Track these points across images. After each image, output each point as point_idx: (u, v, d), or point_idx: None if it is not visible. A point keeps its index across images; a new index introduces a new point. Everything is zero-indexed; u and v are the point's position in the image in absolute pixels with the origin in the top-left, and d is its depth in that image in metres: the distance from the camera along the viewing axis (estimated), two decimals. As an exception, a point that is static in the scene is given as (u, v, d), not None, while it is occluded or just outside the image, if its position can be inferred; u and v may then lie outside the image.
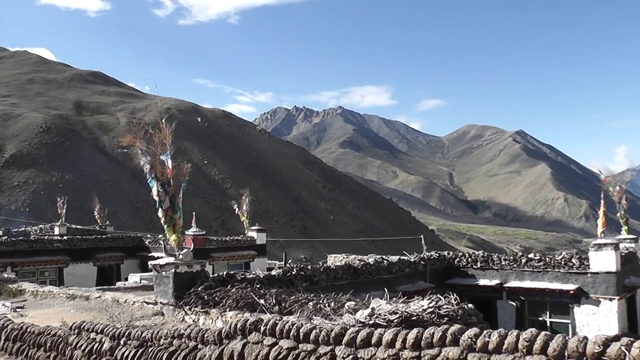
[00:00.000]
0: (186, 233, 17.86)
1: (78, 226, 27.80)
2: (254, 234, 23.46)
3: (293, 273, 8.93)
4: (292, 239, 63.83)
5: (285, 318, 4.65)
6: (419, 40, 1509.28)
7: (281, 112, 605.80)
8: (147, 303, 7.65)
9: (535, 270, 12.62)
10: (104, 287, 12.99)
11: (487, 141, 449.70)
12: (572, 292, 11.96)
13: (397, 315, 4.52)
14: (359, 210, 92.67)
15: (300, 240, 63.82)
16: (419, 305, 4.87)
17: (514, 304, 12.84)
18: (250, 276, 8.04)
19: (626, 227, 14.85)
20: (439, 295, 5.20)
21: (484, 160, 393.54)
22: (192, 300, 6.71)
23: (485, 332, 3.48)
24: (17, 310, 8.69)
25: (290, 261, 24.76)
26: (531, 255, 13.11)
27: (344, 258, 15.94)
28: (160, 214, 7.34)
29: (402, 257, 13.00)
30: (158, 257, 8.02)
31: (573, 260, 12.25)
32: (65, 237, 21.49)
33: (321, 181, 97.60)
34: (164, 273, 7.19)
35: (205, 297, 6.62)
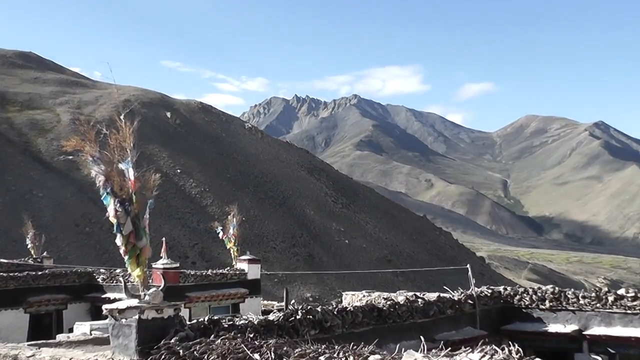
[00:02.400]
0: (154, 266, 17.96)
1: (2, 260, 27.11)
2: (244, 266, 23.60)
3: (297, 317, 8.87)
4: (294, 271, 63.89)
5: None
6: (458, 6, 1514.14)
7: (277, 104, 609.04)
8: (102, 362, 7.98)
9: (629, 312, 12.30)
10: (40, 342, 12.18)
11: (553, 137, 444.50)
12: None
13: (439, 375, 4.41)
14: (383, 232, 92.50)
15: (306, 273, 63.77)
16: (468, 360, 4.92)
17: (600, 358, 12.47)
18: (241, 322, 8.02)
19: None
20: (494, 347, 5.11)
21: (549, 163, 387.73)
22: (163, 356, 6.53)
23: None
24: None
25: (293, 301, 24.55)
26: (622, 292, 12.85)
27: (364, 296, 15.74)
28: (118, 241, 7.28)
29: (442, 295, 12.81)
30: (116, 300, 7.91)
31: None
32: (-17, 275, 21.61)
33: (332, 194, 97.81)
34: (123, 321, 7.15)
35: (181, 352, 6.50)
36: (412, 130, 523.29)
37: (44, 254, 27.67)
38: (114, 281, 22.40)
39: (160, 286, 7.52)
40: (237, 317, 8.77)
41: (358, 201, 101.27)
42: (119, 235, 7.59)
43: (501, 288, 15.44)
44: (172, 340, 6.90)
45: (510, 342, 5.67)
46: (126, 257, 7.65)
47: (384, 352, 5.57)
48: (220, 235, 24.31)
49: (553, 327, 13.05)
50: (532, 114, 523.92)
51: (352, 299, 17.10)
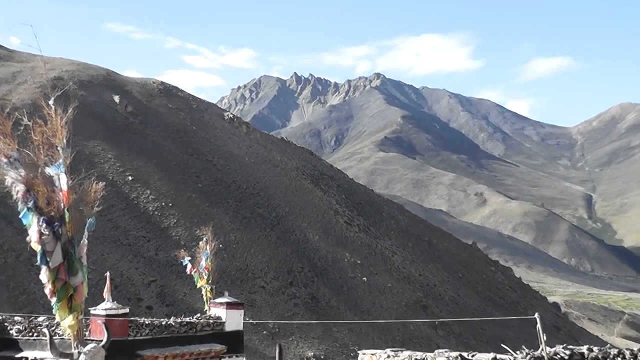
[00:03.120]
0: (92, 312, 17.91)
1: None
2: (220, 313, 23.19)
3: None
4: (291, 320, 63.42)
5: None
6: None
7: (270, 86, 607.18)
8: None
9: None
10: None
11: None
12: None
13: None
14: (416, 267, 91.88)
15: (308, 323, 63.07)
16: None
17: None
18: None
19: None
20: None
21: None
22: None
23: None
24: None
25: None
26: None
27: (388, 357, 15.50)
28: (44, 276, 7.12)
29: (499, 357, 12.70)
30: None
31: None
32: None
33: (345, 212, 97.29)
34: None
35: None
36: (458, 124, 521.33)
37: None
38: (35, 334, 20.98)
39: (101, 341, 7.21)
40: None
41: (381, 222, 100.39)
42: (44, 269, 7.28)
43: (584, 348, 15.13)
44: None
45: None
46: (54, 300, 7.30)
47: None
48: (188, 269, 24.43)
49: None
50: (628, 102, 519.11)
51: (373, 361, 16.91)
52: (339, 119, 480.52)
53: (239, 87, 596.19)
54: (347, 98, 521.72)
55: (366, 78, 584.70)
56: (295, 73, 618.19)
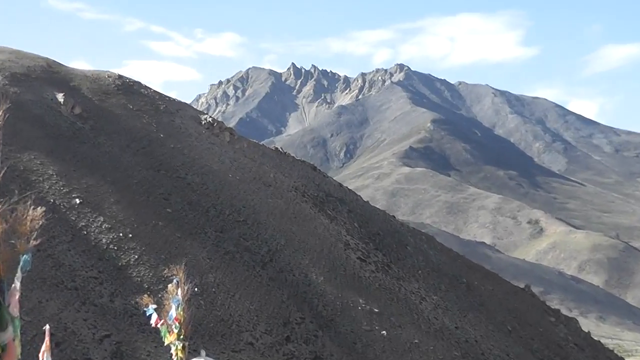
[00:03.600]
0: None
1: None
2: (195, 379, 24.18)
3: None
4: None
5: None
6: None
7: (261, 81, 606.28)
8: None
9: None
10: None
11: None
12: None
13: None
14: (450, 316, 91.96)
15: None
16: None
17: None
18: None
19: None
20: None
21: None
22: None
23: None
24: None
25: None
26: None
27: None
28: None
29: None
30: None
31: None
32: None
33: (357, 245, 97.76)
34: None
35: None
36: (506, 130, 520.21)
37: None
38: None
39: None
40: None
41: (406, 259, 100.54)
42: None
43: None
44: None
45: None
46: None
47: None
48: (154, 320, 24.67)
49: None
50: None
51: None
52: (351, 123, 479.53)
53: (220, 83, 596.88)
54: (360, 97, 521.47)
55: (385, 71, 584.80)
56: (293, 64, 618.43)
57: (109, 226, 77.14)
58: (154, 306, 24.24)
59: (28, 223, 7.17)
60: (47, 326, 20.34)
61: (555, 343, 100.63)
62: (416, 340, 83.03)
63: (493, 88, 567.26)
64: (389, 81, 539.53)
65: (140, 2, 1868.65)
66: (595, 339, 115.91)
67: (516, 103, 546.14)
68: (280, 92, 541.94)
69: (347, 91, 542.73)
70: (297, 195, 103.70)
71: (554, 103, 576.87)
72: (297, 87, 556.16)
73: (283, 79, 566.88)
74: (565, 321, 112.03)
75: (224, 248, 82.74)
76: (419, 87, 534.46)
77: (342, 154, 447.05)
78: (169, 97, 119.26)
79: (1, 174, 6.94)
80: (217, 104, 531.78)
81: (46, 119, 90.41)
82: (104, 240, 76.17)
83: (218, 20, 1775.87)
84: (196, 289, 53.59)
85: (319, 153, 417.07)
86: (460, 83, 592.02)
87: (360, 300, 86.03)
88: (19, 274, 7.21)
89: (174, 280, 23.84)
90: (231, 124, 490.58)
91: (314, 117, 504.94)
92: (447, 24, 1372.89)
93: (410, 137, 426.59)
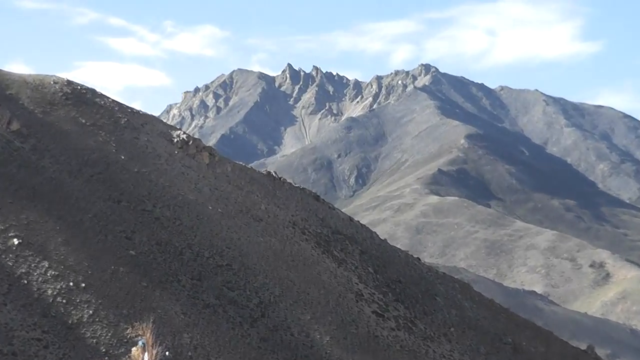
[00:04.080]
0: None
1: None
2: None
3: None
4: None
5: None
6: None
7: (249, 86, 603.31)
8: None
9: None
10: None
11: None
12: None
13: None
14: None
15: None
16: None
17: None
18: None
19: None
20: None
21: None
22: None
23: None
24: None
25: None
26: None
27: None
28: None
29: None
30: None
31: None
32: None
33: (372, 295, 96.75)
34: None
35: None
36: (561, 148, 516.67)
37: None
38: None
39: None
40: None
41: (434, 313, 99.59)
42: None
43: None
44: None
45: None
46: None
47: None
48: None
49: None
50: None
51: None
52: (363, 140, 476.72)
53: (196, 90, 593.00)
54: (375, 106, 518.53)
55: (407, 73, 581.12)
56: (289, 65, 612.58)
57: (56, 273, 75.71)
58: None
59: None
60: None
61: None
62: None
63: (544, 94, 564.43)
64: (412, 86, 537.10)
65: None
66: None
67: (574, 113, 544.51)
68: (273, 101, 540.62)
69: (358, 99, 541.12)
70: (295, 233, 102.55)
71: (622, 113, 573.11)
72: (294, 94, 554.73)
73: (277, 84, 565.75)
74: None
75: (203, 300, 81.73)
76: (450, 93, 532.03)
77: (352, 180, 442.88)
78: (132, 109, 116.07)
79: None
80: (193, 116, 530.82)
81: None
82: (49, 292, 72.36)
83: (193, 10, 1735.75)
84: (167, 353, 54.43)
85: (323, 178, 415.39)
86: (502, 88, 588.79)
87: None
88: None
89: (139, 342, 25.48)
90: (211, 142, 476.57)
91: (316, 133, 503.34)
92: (485, 14, 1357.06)
93: (440, 157, 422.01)
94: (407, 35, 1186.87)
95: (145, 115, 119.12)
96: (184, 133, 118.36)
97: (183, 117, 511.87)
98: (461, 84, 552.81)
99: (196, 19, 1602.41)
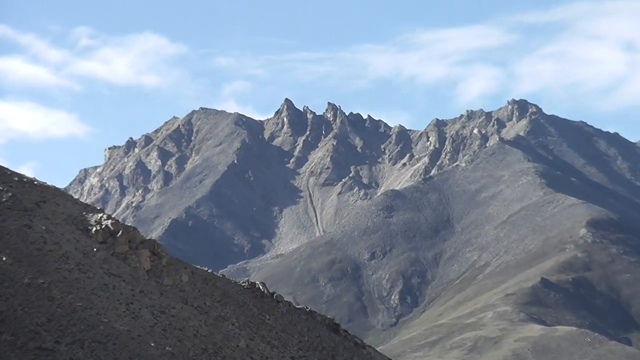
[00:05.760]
0: None
1: None
2: None
3: None
4: None
5: None
6: None
7: (219, 136, 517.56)
8: None
9: None
10: None
11: None
12: None
13: None
14: None
15: None
16: None
17: None
18: None
19: None
20: None
21: None
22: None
23: None
24: None
25: None
26: None
27: None
28: None
29: None
30: None
31: None
32: None
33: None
34: None
35: None
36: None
37: None
38: None
39: None
40: None
41: None
42: None
43: None
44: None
45: None
46: None
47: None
48: None
49: None
50: None
51: None
52: (415, 229, 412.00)
53: (130, 144, 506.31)
54: (435, 172, 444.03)
55: (488, 115, 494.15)
56: (287, 102, 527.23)
57: None
58: None
59: None
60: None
61: None
62: None
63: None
64: (496, 138, 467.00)
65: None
66: None
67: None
68: (260, 163, 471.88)
69: (404, 160, 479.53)
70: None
71: None
72: (296, 151, 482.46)
73: (267, 133, 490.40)
74: None
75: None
76: (561, 149, 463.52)
77: (395, 297, 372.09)
78: (21, 176, 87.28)
79: None
80: (124, 188, 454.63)
81: None
82: None
83: (125, 9, 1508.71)
84: None
85: (345, 294, 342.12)
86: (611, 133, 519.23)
87: None
88: None
89: None
90: (155, 232, 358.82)
91: (333, 217, 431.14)
92: (618, 16, 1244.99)
93: (545, 258, 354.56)
94: (487, 51, 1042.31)
95: (43, 187, 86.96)
96: (109, 218, 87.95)
97: (107, 190, 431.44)
98: (580, 133, 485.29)
99: (130, 24, 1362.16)
